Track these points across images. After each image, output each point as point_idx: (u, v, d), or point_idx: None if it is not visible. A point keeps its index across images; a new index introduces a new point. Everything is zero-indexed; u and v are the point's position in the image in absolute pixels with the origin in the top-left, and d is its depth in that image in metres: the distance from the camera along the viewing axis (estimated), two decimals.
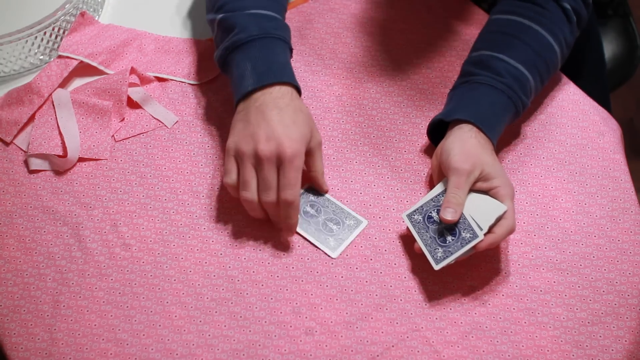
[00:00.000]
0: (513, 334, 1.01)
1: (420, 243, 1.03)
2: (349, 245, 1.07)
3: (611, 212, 1.09)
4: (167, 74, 1.22)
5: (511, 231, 1.02)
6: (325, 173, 1.13)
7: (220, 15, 1.12)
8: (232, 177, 1.05)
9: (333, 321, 1.02)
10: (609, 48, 1.55)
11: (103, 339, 1.01)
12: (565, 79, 1.21)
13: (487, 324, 1.02)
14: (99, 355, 1.00)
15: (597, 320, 1.02)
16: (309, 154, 1.07)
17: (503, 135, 1.15)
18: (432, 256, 1.02)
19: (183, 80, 1.22)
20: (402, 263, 1.06)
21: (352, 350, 1.00)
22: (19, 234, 1.09)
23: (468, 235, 1.01)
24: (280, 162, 1.02)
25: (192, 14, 1.31)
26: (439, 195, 1.05)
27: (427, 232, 1.04)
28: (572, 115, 1.18)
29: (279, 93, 1.06)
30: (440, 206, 1.04)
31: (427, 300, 1.03)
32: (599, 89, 1.38)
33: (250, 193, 1.04)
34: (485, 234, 1.01)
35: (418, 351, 1.00)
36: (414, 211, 1.05)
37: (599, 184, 1.11)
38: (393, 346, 1.01)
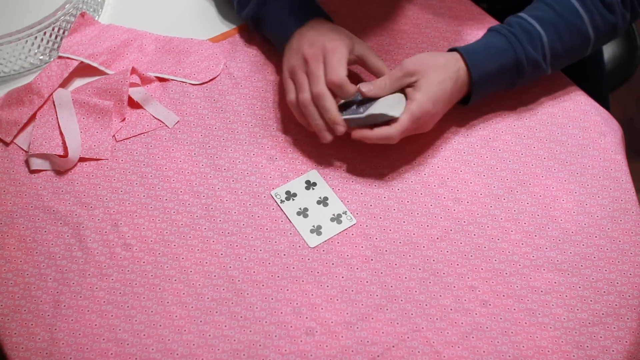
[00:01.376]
0: (513, 335, 1.01)
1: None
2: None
3: (612, 212, 1.09)
4: (167, 74, 1.22)
5: (389, 138, 1.08)
6: (326, 173, 1.13)
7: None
8: (291, 95, 1.12)
9: (333, 321, 1.02)
10: (609, 48, 1.56)
11: (103, 339, 1.01)
12: (566, 79, 1.21)
13: (487, 324, 1.02)
14: (99, 355, 1.00)
15: (598, 321, 1.02)
16: (361, 60, 1.15)
17: (504, 134, 1.15)
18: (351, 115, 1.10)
19: (184, 80, 1.22)
20: (402, 263, 1.06)
21: (352, 351, 1.00)
22: (20, 233, 1.09)
23: (361, 109, 1.09)
24: (324, 57, 1.10)
25: (193, 14, 1.30)
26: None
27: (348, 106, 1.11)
28: (573, 115, 1.17)
29: (314, 21, 1.16)
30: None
31: (427, 301, 1.03)
32: (599, 89, 1.39)
33: (306, 93, 1.10)
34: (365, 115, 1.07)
35: (418, 351, 1.00)
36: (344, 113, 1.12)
37: (599, 185, 1.11)
38: (393, 346, 1.00)
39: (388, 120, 1.08)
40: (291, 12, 1.18)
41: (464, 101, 1.14)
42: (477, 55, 1.11)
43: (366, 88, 1.09)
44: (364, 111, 1.09)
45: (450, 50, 1.14)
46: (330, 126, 1.10)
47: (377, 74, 1.14)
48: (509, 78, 1.13)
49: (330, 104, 1.08)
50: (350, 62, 1.12)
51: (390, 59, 1.23)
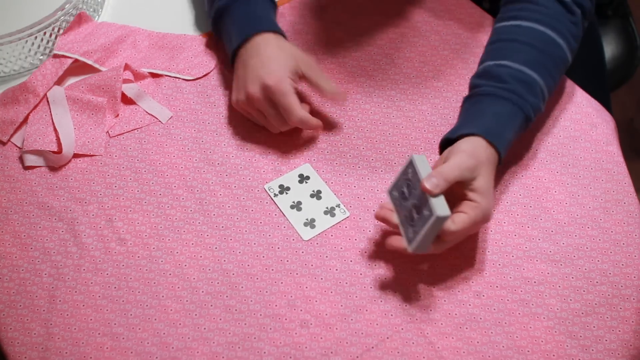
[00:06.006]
0: (507, 325, 1.01)
1: (398, 223, 1.02)
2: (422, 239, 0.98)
3: (604, 203, 1.09)
4: (161, 70, 1.22)
5: (474, 226, 1.00)
6: (320, 167, 1.13)
7: None
8: (260, 123, 1.15)
9: (328, 314, 1.03)
10: (609, 49, 1.55)
11: (99, 333, 1.02)
12: None
13: (481, 315, 1.02)
14: (95, 350, 1.00)
15: (591, 311, 1.02)
16: (305, 78, 1.14)
17: None
18: (406, 236, 1.00)
19: (177, 75, 1.22)
20: (396, 255, 1.06)
21: (347, 342, 1.00)
22: (15, 229, 1.09)
23: (427, 212, 0.97)
24: (270, 95, 1.11)
25: (193, 14, 1.31)
26: (407, 167, 1.01)
27: (401, 210, 1.02)
28: (564, 107, 1.18)
29: (258, 40, 1.14)
30: (409, 180, 1.01)
31: (421, 292, 1.04)
32: (600, 89, 1.38)
33: (278, 128, 1.14)
34: (441, 217, 0.96)
35: (413, 342, 1.00)
36: (393, 187, 1.04)
37: (592, 176, 1.12)
38: (388, 338, 1.01)
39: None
40: (236, 26, 1.16)
41: None
42: (496, 131, 1.04)
43: (430, 185, 0.97)
44: (427, 215, 0.97)
45: (462, 133, 1.04)
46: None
47: (321, 92, 1.14)
48: (521, 131, 1.10)
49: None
50: (298, 81, 1.13)
51: (381, 53, 1.24)
